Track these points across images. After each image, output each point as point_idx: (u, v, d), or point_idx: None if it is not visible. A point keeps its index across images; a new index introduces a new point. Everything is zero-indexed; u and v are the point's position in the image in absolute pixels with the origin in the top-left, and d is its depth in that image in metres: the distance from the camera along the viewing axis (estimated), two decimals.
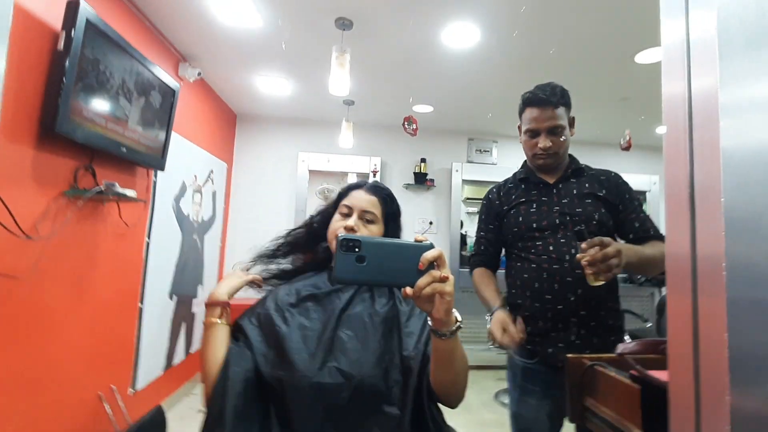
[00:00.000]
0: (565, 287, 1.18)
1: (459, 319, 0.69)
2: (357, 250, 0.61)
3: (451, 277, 0.62)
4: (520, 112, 1.30)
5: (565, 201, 1.25)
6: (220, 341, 0.79)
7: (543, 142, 1.23)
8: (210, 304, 0.82)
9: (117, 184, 1.72)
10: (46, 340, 1.59)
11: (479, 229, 1.42)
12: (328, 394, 0.73)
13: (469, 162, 4.04)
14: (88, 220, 1.78)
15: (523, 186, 1.34)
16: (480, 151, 4.08)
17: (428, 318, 0.68)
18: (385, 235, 0.92)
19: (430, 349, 0.75)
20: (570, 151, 1.35)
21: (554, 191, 1.28)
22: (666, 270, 0.39)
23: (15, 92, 1.39)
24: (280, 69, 2.73)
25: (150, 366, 2.37)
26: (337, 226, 0.88)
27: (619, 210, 1.23)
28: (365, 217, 0.89)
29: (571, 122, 1.28)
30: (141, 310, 2.25)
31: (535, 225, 1.25)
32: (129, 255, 2.13)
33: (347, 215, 0.90)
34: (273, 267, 0.98)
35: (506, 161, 4.05)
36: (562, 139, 1.23)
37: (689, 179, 0.37)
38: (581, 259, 1.02)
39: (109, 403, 1.96)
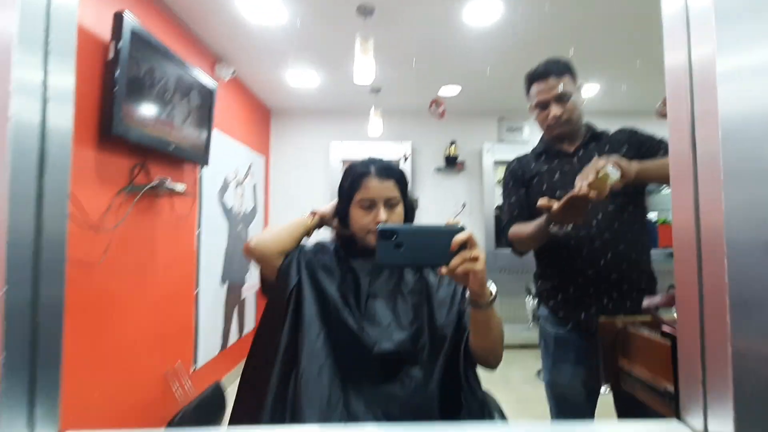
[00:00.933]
0: (594, 252, 1.19)
1: (494, 291, 0.76)
2: (395, 237, 0.67)
3: (482, 256, 0.68)
4: (528, 91, 1.32)
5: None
6: (301, 229, 1.00)
7: (554, 110, 1.24)
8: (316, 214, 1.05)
9: (169, 179, 1.87)
10: (117, 322, 1.77)
11: (508, 197, 1.39)
12: (359, 355, 0.82)
13: (500, 142, 3.98)
14: (146, 213, 1.96)
15: (543, 157, 1.35)
16: (511, 130, 4.01)
17: (465, 290, 0.75)
18: (406, 209, 0.96)
19: (467, 319, 0.82)
20: (604, 123, 1.33)
21: (575, 159, 1.28)
22: (673, 233, 0.41)
23: (76, 100, 1.55)
24: (307, 61, 2.81)
25: (208, 346, 2.58)
26: (366, 221, 0.91)
27: (642, 153, 1.21)
28: (389, 204, 0.92)
29: (579, 89, 1.28)
30: (197, 295, 2.44)
31: (559, 193, 1.25)
32: (183, 245, 2.32)
33: (370, 207, 0.91)
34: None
35: (539, 139, 3.95)
36: (571, 105, 1.24)
37: (692, 146, 0.39)
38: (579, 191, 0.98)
39: (174, 379, 2.16)
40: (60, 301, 0.39)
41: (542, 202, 1.02)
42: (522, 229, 1.27)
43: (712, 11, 0.37)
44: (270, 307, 0.95)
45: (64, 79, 0.42)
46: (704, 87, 0.38)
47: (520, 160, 1.41)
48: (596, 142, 1.29)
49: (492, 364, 0.85)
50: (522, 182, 1.37)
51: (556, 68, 1.24)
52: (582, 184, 0.97)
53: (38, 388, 0.36)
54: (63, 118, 0.41)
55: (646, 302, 0.82)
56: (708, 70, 0.37)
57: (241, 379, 0.91)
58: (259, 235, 0.96)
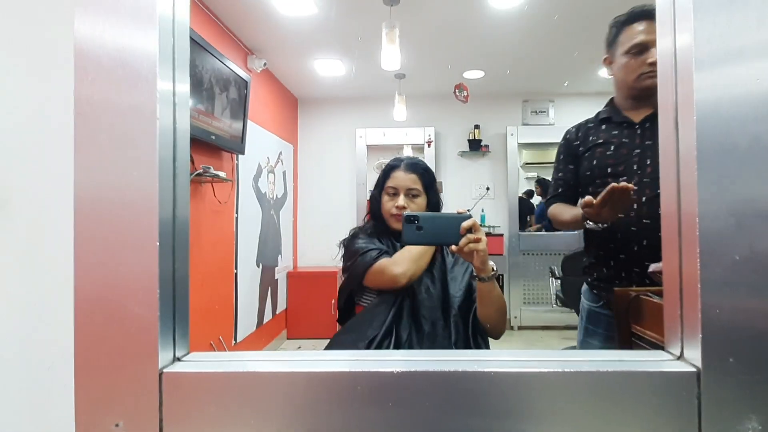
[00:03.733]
0: (629, 237, 1.14)
1: (494, 268, 0.93)
2: (416, 222, 0.84)
3: (484, 239, 0.86)
4: (615, 36, 1.18)
5: (649, 143, 1.14)
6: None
7: (653, 55, 1.08)
8: None
9: (212, 168, 2.03)
10: None
11: (556, 170, 1.34)
12: (399, 312, 1.00)
13: (524, 124, 3.98)
14: (192, 198, 2.13)
15: (603, 126, 1.24)
16: (536, 112, 3.99)
17: (472, 268, 0.92)
18: (428, 201, 1.11)
19: (475, 293, 0.98)
20: None
21: (638, 132, 1.17)
22: (661, 210, 0.47)
23: None
24: (334, 51, 2.90)
25: (246, 323, 2.79)
26: (389, 206, 1.07)
27: None
28: (410, 194, 1.07)
29: None
30: (236, 275, 2.64)
31: (609, 170, 1.18)
32: (223, 228, 2.50)
33: (395, 195, 1.07)
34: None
35: (565, 120, 3.91)
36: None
37: (675, 131, 0.47)
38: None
39: (218, 350, 2.36)
40: (186, 255, 0.51)
41: (584, 201, 1.02)
42: (561, 212, 1.25)
43: (690, 2, 0.42)
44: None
45: (184, 87, 0.49)
46: (684, 74, 0.45)
47: (579, 129, 1.29)
48: None
49: (495, 333, 1.02)
50: (574, 156, 1.29)
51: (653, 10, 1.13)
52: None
53: (177, 318, 0.49)
54: (184, 119, 0.51)
55: (653, 267, 0.90)
56: (687, 58, 0.43)
57: None
58: (404, 266, 0.98)
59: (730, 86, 0.44)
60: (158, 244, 0.46)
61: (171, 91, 0.48)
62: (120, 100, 0.46)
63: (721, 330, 0.43)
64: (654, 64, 1.08)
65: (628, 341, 1.06)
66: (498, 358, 0.45)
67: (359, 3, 2.26)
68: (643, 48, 1.10)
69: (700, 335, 0.43)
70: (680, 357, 0.46)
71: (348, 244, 1.11)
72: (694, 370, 0.43)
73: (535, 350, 0.49)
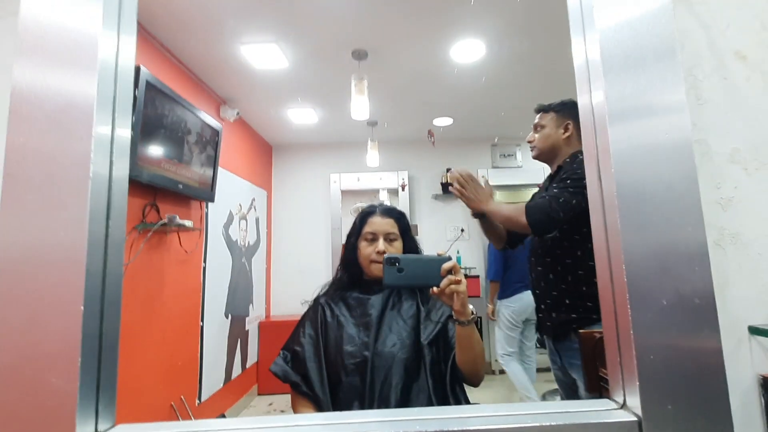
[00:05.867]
0: (538, 276, 1.38)
1: (474, 311, 0.92)
2: (397, 264, 0.84)
3: (464, 280, 0.86)
4: None
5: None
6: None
7: (528, 136, 1.50)
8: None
9: (177, 217, 1.99)
10: (125, 354, 1.85)
11: None
12: (371, 368, 0.97)
13: (494, 167, 4.13)
14: (156, 249, 2.07)
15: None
16: (504, 155, 4.16)
17: (452, 312, 0.90)
18: (404, 245, 1.13)
19: (454, 340, 0.97)
20: None
21: (547, 183, 1.48)
22: (594, 252, 0.50)
23: None
24: (306, 101, 3.00)
25: (212, 379, 2.62)
26: (369, 251, 1.08)
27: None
28: (389, 238, 1.09)
29: (566, 127, 1.39)
30: (202, 328, 2.51)
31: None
32: (189, 278, 2.41)
33: (373, 240, 1.09)
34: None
35: (533, 164, 4.07)
36: (540, 136, 1.44)
37: (598, 179, 0.50)
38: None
39: (179, 412, 2.20)
40: (117, 318, 0.49)
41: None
42: None
43: (600, 65, 0.47)
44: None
45: (124, 133, 0.48)
46: (601, 128, 0.49)
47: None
48: (557, 173, 1.38)
49: (474, 380, 0.99)
50: None
51: (544, 107, 1.47)
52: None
53: (101, 388, 0.46)
54: (122, 168, 0.49)
55: None
56: (602, 113, 0.48)
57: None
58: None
59: (642, 138, 0.47)
60: (82, 307, 0.44)
61: (109, 138, 0.46)
62: (52, 150, 0.44)
63: (657, 376, 0.43)
64: (527, 141, 1.50)
65: (596, 385, 1.05)
66: (440, 416, 0.43)
67: (329, 58, 2.37)
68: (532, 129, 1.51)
69: (638, 383, 0.43)
70: (623, 406, 0.45)
71: (302, 318, 1.12)
72: (635, 419, 0.42)
73: (480, 405, 0.48)
